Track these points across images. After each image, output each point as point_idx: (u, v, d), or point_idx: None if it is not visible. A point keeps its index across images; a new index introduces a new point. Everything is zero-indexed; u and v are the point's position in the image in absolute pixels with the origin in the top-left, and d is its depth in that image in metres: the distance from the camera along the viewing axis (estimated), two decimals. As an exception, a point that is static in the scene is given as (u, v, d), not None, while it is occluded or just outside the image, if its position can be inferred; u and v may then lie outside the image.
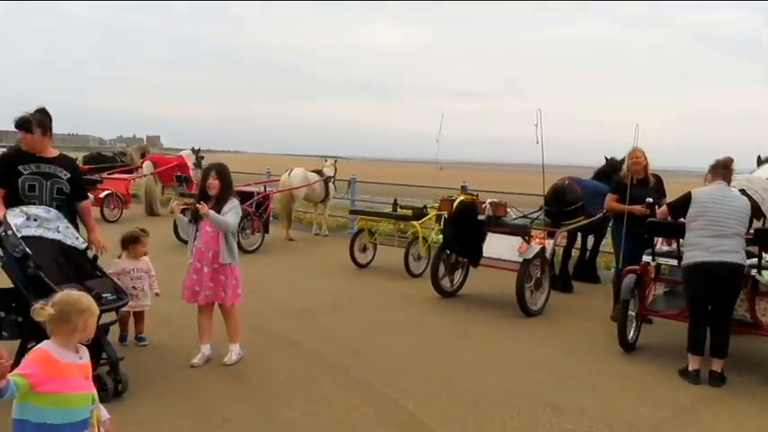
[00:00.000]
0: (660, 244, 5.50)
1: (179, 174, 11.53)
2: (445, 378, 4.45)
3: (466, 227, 6.24)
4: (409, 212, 8.27)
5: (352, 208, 11.26)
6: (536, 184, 8.28)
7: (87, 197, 4.45)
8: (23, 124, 3.98)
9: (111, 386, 3.66)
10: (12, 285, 3.67)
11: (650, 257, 5.12)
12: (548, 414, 3.90)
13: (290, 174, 10.83)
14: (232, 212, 4.40)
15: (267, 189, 10.14)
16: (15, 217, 3.65)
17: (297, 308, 6.20)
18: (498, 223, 6.30)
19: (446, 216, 6.66)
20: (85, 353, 2.40)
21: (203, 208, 4.26)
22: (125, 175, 13.55)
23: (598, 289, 7.71)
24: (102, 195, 11.95)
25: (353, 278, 7.89)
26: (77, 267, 3.75)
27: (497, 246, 6.29)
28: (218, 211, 4.34)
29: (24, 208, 3.75)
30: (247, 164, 26.91)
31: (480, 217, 6.29)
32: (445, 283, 6.84)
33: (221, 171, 4.51)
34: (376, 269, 8.38)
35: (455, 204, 6.49)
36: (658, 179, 5.99)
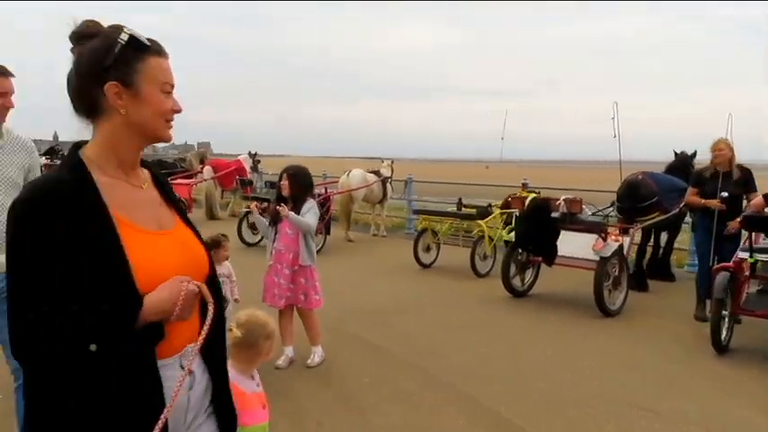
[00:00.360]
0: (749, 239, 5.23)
1: (242, 177, 11.65)
2: (518, 378, 4.38)
3: (539, 224, 6.11)
4: (473, 211, 8.17)
5: (415, 208, 11.11)
6: (593, 180, 8.03)
7: None
8: None
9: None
10: None
11: (747, 254, 4.86)
12: (646, 419, 3.75)
13: (348, 175, 10.90)
14: (310, 213, 4.41)
15: (328, 191, 10.19)
16: None
17: (365, 308, 6.20)
18: (573, 220, 6.14)
19: (518, 214, 6.53)
20: (258, 378, 2.21)
21: (284, 209, 4.29)
22: (187, 180, 13.90)
23: (673, 287, 7.43)
24: (166, 200, 12.33)
25: (418, 278, 7.84)
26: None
27: (571, 243, 6.12)
28: (297, 213, 4.36)
29: None
30: (298, 166, 27.20)
31: (554, 214, 6.14)
32: (516, 282, 6.71)
33: (294, 173, 4.50)
34: (440, 269, 8.30)
35: (527, 202, 6.36)
36: (746, 172, 5.68)
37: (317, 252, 9.48)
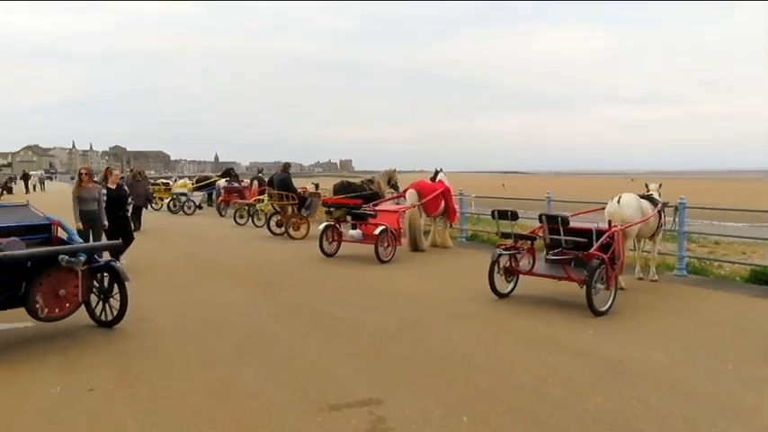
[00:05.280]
0: None
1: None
2: None
3: None
4: None
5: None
6: None
7: None
8: None
9: None
10: None
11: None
12: None
13: (619, 202, 8.17)
14: None
15: (612, 225, 7.45)
16: None
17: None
18: None
19: None
20: None
21: None
22: (396, 207, 11.95)
23: None
24: (377, 232, 10.35)
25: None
26: None
27: None
28: None
29: None
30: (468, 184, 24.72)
31: None
32: None
33: None
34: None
35: None
36: None
37: (607, 311, 6.94)
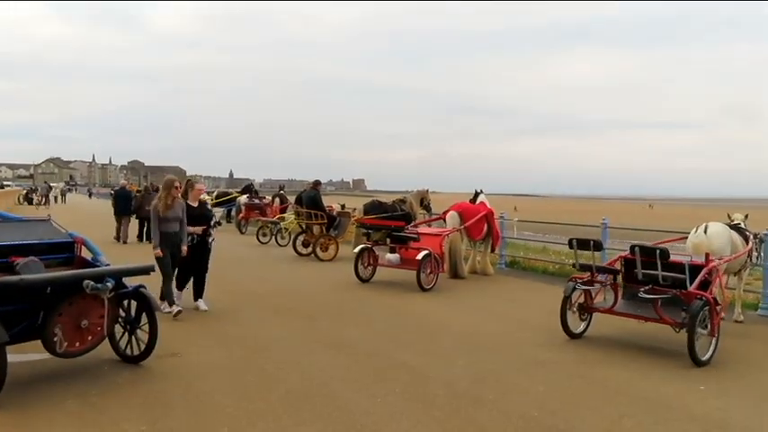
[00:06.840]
0: None
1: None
2: None
3: None
4: None
5: None
6: None
7: None
8: None
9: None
10: None
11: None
12: None
13: (706, 232, 7.26)
14: None
15: (710, 259, 6.51)
16: None
17: None
18: None
19: None
20: None
21: None
22: (438, 230, 11.08)
23: None
24: (419, 257, 9.48)
25: None
26: None
27: None
28: None
29: None
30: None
31: None
32: None
33: None
34: None
35: None
36: None
37: (708, 360, 5.43)
